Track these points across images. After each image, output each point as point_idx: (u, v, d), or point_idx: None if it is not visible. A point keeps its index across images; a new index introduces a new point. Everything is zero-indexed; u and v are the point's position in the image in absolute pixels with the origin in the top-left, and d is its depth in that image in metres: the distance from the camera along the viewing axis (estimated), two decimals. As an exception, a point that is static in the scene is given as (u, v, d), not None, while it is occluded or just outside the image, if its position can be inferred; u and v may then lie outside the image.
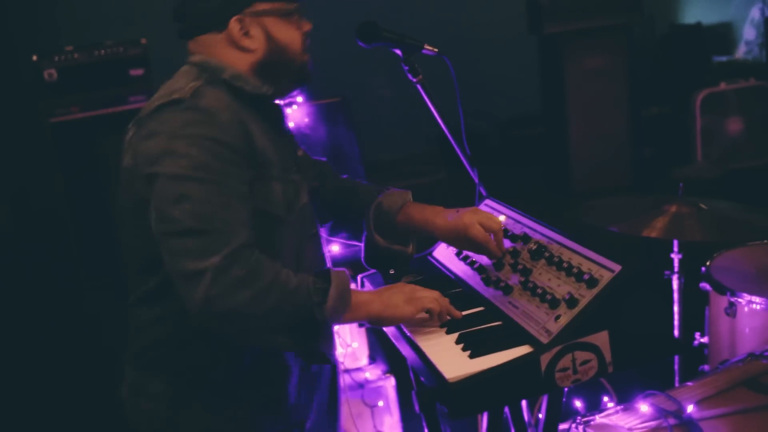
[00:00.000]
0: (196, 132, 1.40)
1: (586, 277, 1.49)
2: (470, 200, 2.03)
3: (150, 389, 1.57)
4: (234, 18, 1.52)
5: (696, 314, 2.50)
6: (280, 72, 1.58)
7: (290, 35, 1.58)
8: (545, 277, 1.59)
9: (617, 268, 1.46)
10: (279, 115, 1.64)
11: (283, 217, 1.53)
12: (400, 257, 1.81)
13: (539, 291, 1.55)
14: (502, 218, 1.82)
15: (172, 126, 1.42)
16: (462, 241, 1.74)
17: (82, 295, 4.15)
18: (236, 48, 1.54)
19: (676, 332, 2.52)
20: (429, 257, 2.00)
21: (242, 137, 1.45)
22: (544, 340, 1.44)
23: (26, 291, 4.50)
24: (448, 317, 1.62)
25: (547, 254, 1.63)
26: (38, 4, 4.96)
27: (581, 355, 1.42)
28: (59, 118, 3.99)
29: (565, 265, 1.56)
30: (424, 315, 1.59)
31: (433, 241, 2.01)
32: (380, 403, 2.63)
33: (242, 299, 1.34)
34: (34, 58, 3.97)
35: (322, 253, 1.72)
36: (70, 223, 4.22)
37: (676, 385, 2.48)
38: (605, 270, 1.48)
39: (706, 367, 2.45)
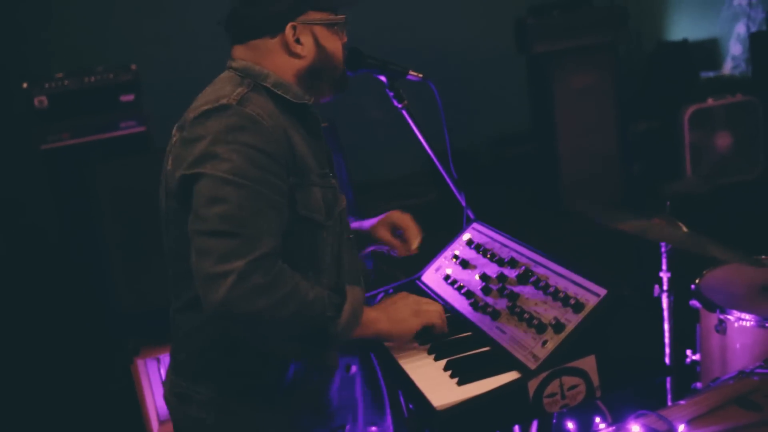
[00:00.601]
0: (240, 138, 1.43)
1: (572, 301, 1.49)
2: (460, 221, 2.04)
3: (197, 397, 1.58)
4: (289, 24, 1.56)
5: (688, 332, 2.51)
6: (323, 79, 1.63)
7: (335, 44, 1.64)
8: (532, 302, 1.59)
9: (603, 292, 1.47)
10: (315, 122, 1.66)
11: (324, 222, 1.56)
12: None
13: (526, 316, 1.55)
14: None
15: (216, 130, 1.44)
16: (383, 228, 1.89)
17: (74, 321, 4.13)
18: (287, 53, 1.58)
19: (667, 350, 2.52)
20: (417, 282, 2.00)
21: (284, 145, 1.48)
22: (532, 365, 1.44)
23: (18, 316, 4.48)
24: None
25: (533, 278, 1.64)
26: (28, 31, 4.97)
27: (569, 380, 1.42)
28: (50, 144, 3.98)
29: (551, 289, 1.56)
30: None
31: (422, 266, 2.02)
32: (373, 428, 2.61)
33: (260, 306, 1.35)
34: (25, 85, 3.98)
35: (359, 257, 1.76)
36: (62, 249, 4.21)
37: (669, 403, 2.48)
38: (591, 294, 1.48)
39: (699, 385, 2.45)
